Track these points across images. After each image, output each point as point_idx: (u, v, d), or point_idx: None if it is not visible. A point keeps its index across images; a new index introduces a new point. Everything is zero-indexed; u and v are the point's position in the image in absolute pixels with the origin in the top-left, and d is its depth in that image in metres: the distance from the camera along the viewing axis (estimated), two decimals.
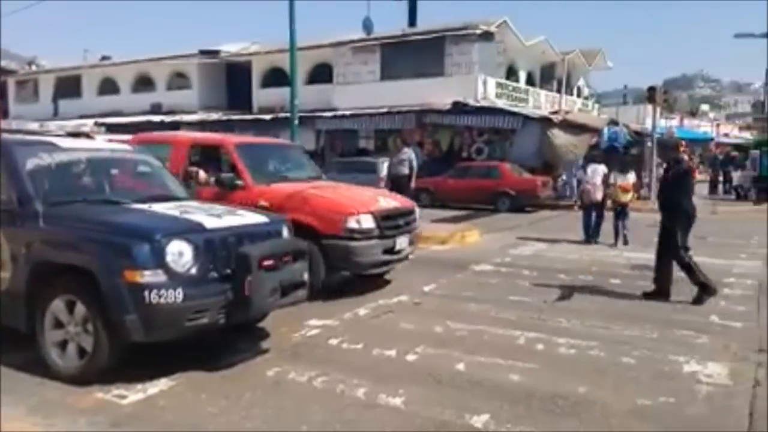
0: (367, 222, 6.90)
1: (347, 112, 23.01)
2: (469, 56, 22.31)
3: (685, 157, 7.62)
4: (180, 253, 4.29)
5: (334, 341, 5.46)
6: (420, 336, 5.60)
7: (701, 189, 26.30)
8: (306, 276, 5.11)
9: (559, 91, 27.67)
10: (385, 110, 22.02)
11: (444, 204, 17.96)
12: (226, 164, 7.88)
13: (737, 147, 36.78)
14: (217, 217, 4.84)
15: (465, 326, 5.92)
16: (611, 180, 11.66)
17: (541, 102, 25.78)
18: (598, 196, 11.70)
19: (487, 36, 22.40)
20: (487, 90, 22.30)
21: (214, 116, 26.59)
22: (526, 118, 20.46)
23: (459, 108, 20.83)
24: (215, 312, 4.43)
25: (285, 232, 5.29)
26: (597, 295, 7.42)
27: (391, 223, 7.20)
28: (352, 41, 24.65)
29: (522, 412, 4.01)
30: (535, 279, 8.32)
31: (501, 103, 22.12)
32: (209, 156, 8.17)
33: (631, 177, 11.86)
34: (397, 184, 10.93)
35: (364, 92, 23.25)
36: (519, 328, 5.91)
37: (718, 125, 53.90)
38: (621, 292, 7.58)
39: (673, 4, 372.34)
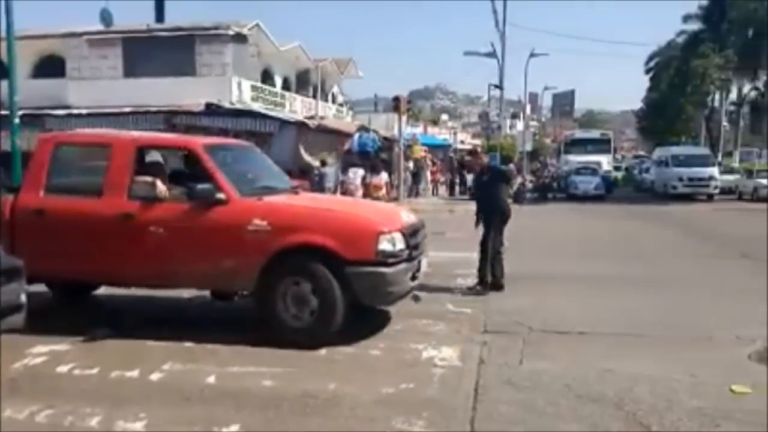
0: (399, 242, 5.53)
1: (84, 111, 20.69)
2: (221, 57, 21.79)
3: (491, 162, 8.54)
4: None
5: (63, 368, 4.83)
6: (167, 352, 5.23)
7: (441, 190, 29.31)
8: (23, 298, 4.43)
9: (314, 96, 28.51)
10: (129, 110, 20.35)
11: None
12: (185, 173, 6.23)
13: (470, 152, 41.64)
14: None
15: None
16: (366, 180, 13.49)
17: (297, 107, 26.27)
18: (359, 194, 13.33)
19: (241, 38, 22.12)
20: (242, 93, 22.00)
21: None
22: (283, 122, 20.63)
23: (213, 110, 20.18)
24: None
25: None
26: None
27: (414, 241, 5.88)
28: (88, 33, 22.39)
29: (272, 417, 3.97)
30: None
31: (257, 107, 22.00)
32: (159, 162, 6.43)
33: (383, 176, 13.93)
34: None
35: (104, 89, 21.19)
36: None
37: (455, 133, 60.57)
38: None
39: (416, 23, 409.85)
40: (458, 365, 5.04)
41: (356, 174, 13.83)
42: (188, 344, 5.48)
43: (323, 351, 5.34)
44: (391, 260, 5.42)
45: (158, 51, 21.80)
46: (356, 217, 5.79)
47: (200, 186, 5.59)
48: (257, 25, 22.89)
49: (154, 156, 6.54)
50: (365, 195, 13.34)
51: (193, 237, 5.62)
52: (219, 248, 5.53)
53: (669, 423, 3.86)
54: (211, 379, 4.62)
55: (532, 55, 36.23)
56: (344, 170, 15.10)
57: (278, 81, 26.74)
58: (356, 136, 22.22)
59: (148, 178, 5.89)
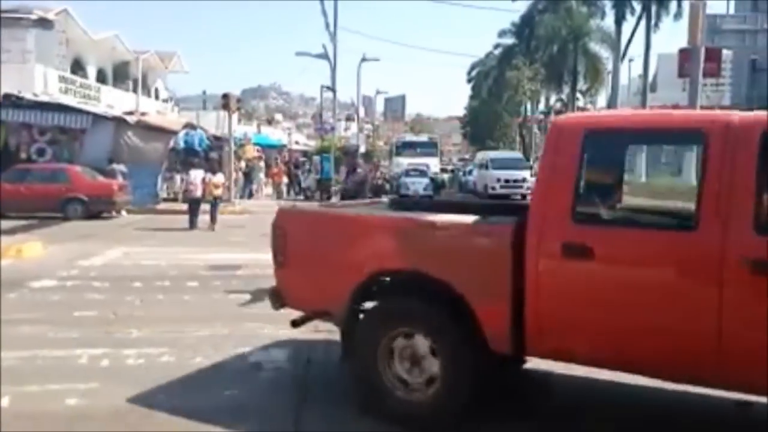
0: None
1: None
2: (22, 43, 19.60)
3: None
4: None
5: None
6: None
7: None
8: None
9: (135, 91, 26.64)
10: None
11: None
12: None
13: (304, 153, 41.78)
14: None
15: (14, 354, 5.04)
16: (206, 179, 15.02)
17: (115, 101, 24.37)
18: (199, 193, 14.94)
19: (46, 23, 20.02)
20: (48, 83, 19.92)
21: None
22: (97, 117, 18.97)
23: (12, 102, 17.99)
24: None
25: None
26: (173, 300, 7.29)
27: None
28: None
29: None
30: (107, 290, 7.75)
31: (67, 100, 20.05)
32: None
33: (220, 176, 15.89)
34: None
35: None
36: (82, 345, 5.37)
37: (290, 133, 60.29)
38: (198, 293, 7.63)
39: (248, 20, 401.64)
40: (286, 367, 4.98)
41: (197, 175, 15.18)
42: None
43: (140, 361, 5.00)
44: None
45: None
46: None
47: None
48: (65, 10, 20.86)
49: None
50: (204, 194, 14.83)
51: None
52: None
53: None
54: (4, 402, 4.10)
55: (363, 59, 37.12)
56: (187, 170, 16.78)
57: (92, 72, 24.66)
58: (182, 133, 21.09)
59: None
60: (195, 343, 5.48)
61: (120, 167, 17.94)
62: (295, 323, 4.37)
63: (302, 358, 5.13)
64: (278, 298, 4.32)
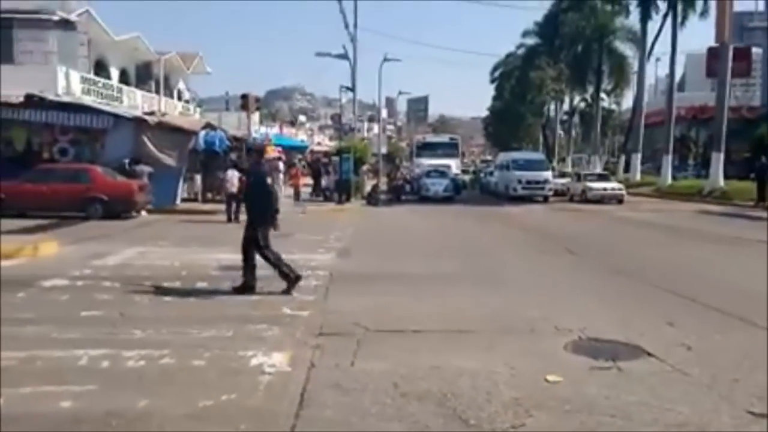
0: None
1: None
2: (44, 44, 19.85)
3: (268, 159, 8.31)
4: None
5: None
6: None
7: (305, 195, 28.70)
8: None
9: (157, 92, 26.83)
10: None
11: (22, 213, 15.53)
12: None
13: (326, 154, 41.87)
14: None
15: (14, 354, 4.99)
16: (242, 178, 15.41)
17: (137, 102, 24.56)
18: (235, 189, 16.44)
19: (67, 24, 20.23)
20: (70, 84, 20.10)
21: None
22: (118, 118, 19.11)
23: (35, 102, 18.20)
24: None
25: None
26: (180, 301, 7.22)
27: None
28: None
29: None
30: (116, 291, 7.68)
31: (90, 100, 20.24)
32: None
33: None
34: None
35: None
36: (84, 346, 5.27)
37: (312, 134, 60.52)
38: (206, 294, 7.56)
39: (270, 20, 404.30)
40: (287, 371, 4.82)
41: (233, 175, 16.78)
42: None
43: (141, 363, 4.89)
44: None
45: None
46: None
47: None
48: (87, 11, 21.07)
49: None
50: (239, 192, 15.59)
51: None
52: None
53: (486, 415, 3.90)
54: None
55: (385, 59, 36.92)
56: (224, 170, 18.24)
57: (114, 73, 24.85)
58: (202, 134, 21.14)
59: None
60: (197, 345, 5.37)
61: (146, 168, 18.10)
62: None
63: (306, 361, 4.98)
64: None
